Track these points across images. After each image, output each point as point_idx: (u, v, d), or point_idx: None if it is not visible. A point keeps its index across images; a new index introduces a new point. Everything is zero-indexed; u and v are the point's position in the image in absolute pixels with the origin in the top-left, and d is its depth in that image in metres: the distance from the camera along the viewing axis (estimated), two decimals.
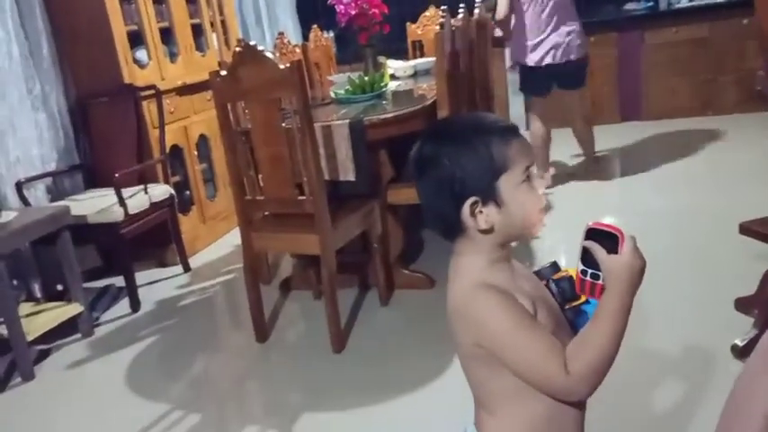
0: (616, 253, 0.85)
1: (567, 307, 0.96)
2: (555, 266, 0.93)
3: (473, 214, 0.88)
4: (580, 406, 0.94)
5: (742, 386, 1.15)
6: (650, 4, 5.26)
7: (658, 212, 3.36)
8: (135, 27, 3.37)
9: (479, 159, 0.87)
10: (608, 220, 0.90)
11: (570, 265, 0.97)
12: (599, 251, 0.85)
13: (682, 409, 1.80)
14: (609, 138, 5.02)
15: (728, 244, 2.51)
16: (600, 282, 0.85)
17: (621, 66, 5.21)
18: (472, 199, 0.87)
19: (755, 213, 2.03)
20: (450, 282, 0.93)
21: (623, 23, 5.18)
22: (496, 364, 0.88)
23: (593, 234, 0.86)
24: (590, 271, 0.86)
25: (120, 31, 3.23)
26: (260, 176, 2.43)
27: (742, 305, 2.19)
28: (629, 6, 5.33)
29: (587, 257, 0.86)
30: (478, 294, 0.87)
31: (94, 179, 3.33)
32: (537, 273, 0.99)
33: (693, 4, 5.11)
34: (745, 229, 1.95)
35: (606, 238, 0.85)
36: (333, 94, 2.99)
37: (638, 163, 4.36)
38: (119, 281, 3.12)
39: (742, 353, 1.93)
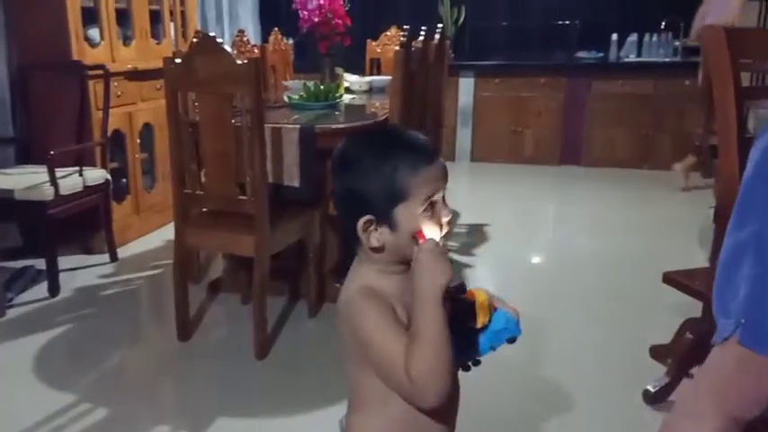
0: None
1: (457, 329, 0.96)
2: (461, 287, 0.94)
3: (366, 231, 0.90)
4: (446, 420, 0.96)
5: (668, 424, 1.17)
6: (600, 54, 5.49)
7: (586, 255, 3.47)
8: (91, 4, 3.27)
9: (383, 183, 0.87)
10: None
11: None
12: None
13: None
14: (548, 178, 5.20)
15: (651, 292, 2.62)
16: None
17: (567, 111, 5.41)
18: (367, 217, 0.89)
19: (679, 265, 2.12)
20: (345, 284, 0.96)
21: (573, 70, 5.38)
22: (369, 367, 0.90)
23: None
24: None
25: (74, 4, 3.12)
26: (202, 171, 2.39)
27: (657, 353, 2.26)
28: (580, 54, 5.55)
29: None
30: (358, 298, 0.89)
31: (27, 154, 3.19)
32: None
33: (641, 59, 5.37)
34: (669, 279, 1.99)
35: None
36: (286, 99, 2.97)
37: (572, 206, 4.52)
38: (39, 263, 2.98)
39: (654, 399, 1.99)
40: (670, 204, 4.41)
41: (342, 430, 1.00)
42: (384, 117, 2.67)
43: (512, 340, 0.95)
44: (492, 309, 0.94)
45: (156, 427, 1.92)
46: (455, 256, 3.42)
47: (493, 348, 0.96)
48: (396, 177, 0.87)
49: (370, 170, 0.88)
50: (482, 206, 4.41)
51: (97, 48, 3.30)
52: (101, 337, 2.50)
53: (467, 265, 3.30)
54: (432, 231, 0.88)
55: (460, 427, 1.95)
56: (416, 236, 0.87)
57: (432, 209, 0.89)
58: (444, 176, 0.91)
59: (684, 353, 2.03)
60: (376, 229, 0.89)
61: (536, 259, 3.52)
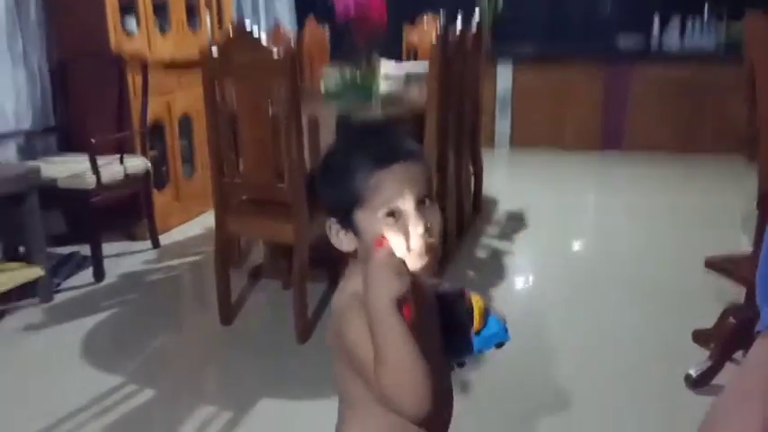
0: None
1: (454, 333, 0.96)
2: (461, 293, 0.93)
3: (335, 234, 0.87)
4: (434, 428, 0.90)
5: (711, 423, 1.16)
6: (641, 38, 5.36)
7: (627, 241, 3.42)
8: None
9: (338, 186, 0.84)
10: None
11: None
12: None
13: None
14: (589, 164, 5.12)
15: (694, 278, 2.58)
16: (406, 305, 0.80)
17: (607, 96, 5.31)
18: (332, 220, 0.87)
19: (722, 251, 2.09)
20: (338, 288, 0.92)
21: (613, 56, 5.27)
22: (355, 372, 0.86)
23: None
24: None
25: None
26: (240, 160, 2.41)
27: (699, 338, 2.25)
28: (621, 38, 5.42)
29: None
30: (346, 306, 0.85)
31: (69, 143, 3.27)
32: (439, 292, 0.97)
33: (683, 45, 5.23)
34: (711, 264, 1.99)
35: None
36: (323, 88, 2.98)
37: (613, 192, 4.45)
38: (84, 249, 3.06)
39: (696, 383, 1.99)
40: (713, 190, 4.31)
41: None
42: (422, 105, 2.66)
43: (500, 345, 0.95)
44: (487, 314, 0.94)
45: (200, 409, 1.97)
46: (494, 243, 3.41)
47: (481, 351, 0.95)
48: (349, 181, 0.82)
49: (329, 172, 0.86)
50: (521, 193, 4.37)
51: (135, 38, 3.35)
52: (145, 322, 2.57)
53: (506, 252, 3.27)
54: (395, 241, 0.81)
55: (500, 404, 1.96)
56: (375, 244, 0.82)
57: (394, 217, 0.82)
58: (415, 182, 0.82)
59: (727, 337, 2.02)
60: (346, 233, 0.86)
61: (577, 245, 3.48)
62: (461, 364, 0.98)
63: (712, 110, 5.06)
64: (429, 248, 0.83)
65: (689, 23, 5.22)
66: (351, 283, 0.87)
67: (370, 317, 0.79)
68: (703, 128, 5.12)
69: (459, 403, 0.96)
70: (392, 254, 0.80)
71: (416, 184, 0.82)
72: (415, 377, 0.78)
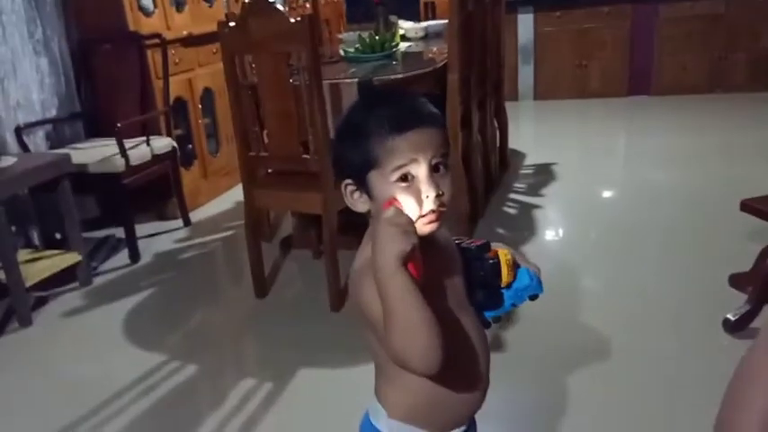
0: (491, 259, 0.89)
1: (482, 288, 0.93)
2: (485, 246, 0.90)
3: (349, 194, 0.88)
4: (469, 387, 0.91)
5: (742, 377, 1.14)
6: None
7: (660, 186, 3.35)
8: None
9: (354, 148, 0.85)
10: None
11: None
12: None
13: (673, 381, 1.81)
14: (617, 110, 4.99)
15: (729, 220, 2.52)
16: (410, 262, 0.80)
17: (634, 39, 5.14)
18: (346, 181, 0.88)
19: (758, 192, 2.02)
20: (358, 251, 0.90)
21: None
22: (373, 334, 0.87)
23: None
24: None
25: None
26: (265, 132, 2.40)
27: (736, 282, 2.21)
28: None
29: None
30: (361, 270, 0.86)
31: (95, 128, 3.29)
32: (463, 248, 0.95)
33: None
34: (746, 206, 1.96)
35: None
36: (342, 52, 2.93)
37: (643, 138, 4.34)
38: (118, 232, 3.11)
39: (734, 327, 1.97)
40: (747, 129, 4.17)
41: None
42: (442, 63, 2.60)
43: (533, 297, 0.92)
44: (516, 266, 0.91)
45: (242, 380, 2.01)
46: (523, 198, 3.37)
47: (515, 305, 0.93)
48: (365, 143, 0.83)
49: (346, 134, 0.87)
50: (549, 145, 4.30)
51: (151, 16, 3.33)
52: (183, 299, 2.61)
53: (536, 206, 3.23)
54: (406, 203, 0.82)
55: (537, 357, 1.96)
56: (384, 205, 0.83)
57: (407, 181, 0.82)
58: (427, 147, 0.82)
59: (765, 280, 1.99)
60: (360, 195, 0.87)
61: (607, 194, 3.41)
62: (497, 320, 0.96)
63: (745, 43, 4.86)
64: (439, 215, 0.84)
65: None
66: (367, 248, 0.87)
67: (376, 275, 0.80)
68: (736, 65, 4.93)
69: (493, 361, 0.94)
70: (399, 213, 0.81)
71: (431, 150, 0.83)
72: (422, 333, 0.78)
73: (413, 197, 0.82)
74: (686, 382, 1.80)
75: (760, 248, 2.13)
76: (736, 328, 1.96)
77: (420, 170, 0.82)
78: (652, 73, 5.17)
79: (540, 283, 0.92)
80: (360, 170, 0.85)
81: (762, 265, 2.06)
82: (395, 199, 0.82)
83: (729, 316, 1.98)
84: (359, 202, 0.88)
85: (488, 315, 0.95)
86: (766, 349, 1.08)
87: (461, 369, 0.89)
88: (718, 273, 2.27)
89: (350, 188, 0.88)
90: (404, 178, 0.82)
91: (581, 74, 5.31)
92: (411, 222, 0.81)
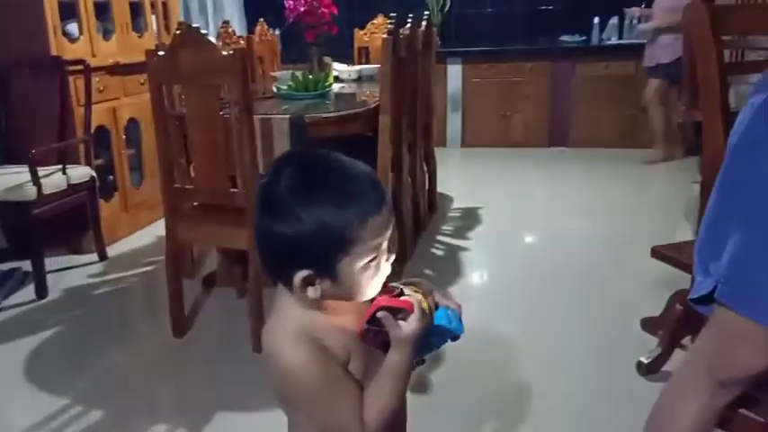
0: (404, 318, 0.83)
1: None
2: (399, 293, 0.88)
3: (304, 284, 0.81)
4: None
5: (660, 409, 1.20)
6: (583, 38, 5.49)
7: (575, 234, 3.48)
8: None
9: (327, 235, 0.77)
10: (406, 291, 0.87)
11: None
12: (389, 321, 0.82)
13: (591, 422, 1.83)
14: (538, 160, 5.20)
15: (639, 267, 2.64)
16: (380, 334, 0.85)
17: (553, 94, 5.40)
18: (306, 272, 0.80)
19: (666, 240, 2.14)
20: (271, 316, 0.88)
21: (557, 54, 5.37)
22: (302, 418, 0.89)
23: (384, 309, 0.84)
24: (374, 328, 0.85)
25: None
26: (191, 165, 2.34)
27: (648, 326, 2.30)
28: (564, 38, 5.54)
29: (373, 320, 0.84)
30: (288, 347, 0.82)
31: (8, 154, 3.11)
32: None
33: (622, 41, 5.36)
34: (657, 253, 2.04)
35: (396, 310, 0.84)
36: (275, 89, 2.92)
37: (561, 187, 4.53)
38: (26, 265, 2.91)
39: (647, 370, 2.03)
40: (654, 182, 4.45)
41: None
42: (375, 105, 2.63)
43: (455, 338, 0.91)
44: (433, 310, 0.89)
45: (153, 427, 1.89)
46: (450, 240, 3.41)
47: (437, 347, 0.92)
48: (342, 229, 0.77)
49: (312, 218, 0.77)
50: (474, 190, 4.40)
51: (76, 42, 3.22)
52: (93, 338, 2.45)
53: (462, 248, 3.28)
54: (377, 281, 0.84)
55: (460, 400, 1.95)
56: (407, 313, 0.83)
57: (376, 259, 0.82)
58: (391, 219, 0.83)
59: (675, 324, 2.07)
60: (321, 282, 0.81)
61: (527, 239, 3.51)
62: (421, 362, 0.94)
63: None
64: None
65: (627, 21, 5.36)
66: (287, 320, 0.85)
67: (400, 368, 0.84)
68: (645, 121, 5.26)
69: (415, 401, 0.94)
70: (421, 321, 0.83)
71: (392, 220, 0.84)
72: (391, 414, 0.86)
73: (379, 275, 0.84)
74: (603, 423, 1.83)
75: (669, 294, 2.22)
76: (650, 370, 2.02)
77: (386, 243, 0.83)
78: (569, 126, 5.42)
79: (460, 321, 0.90)
80: (331, 258, 0.79)
81: (672, 310, 2.14)
82: (409, 302, 0.84)
83: (643, 359, 2.05)
84: (313, 291, 0.81)
85: (415, 359, 0.91)
86: (694, 366, 1.14)
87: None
88: (630, 317, 2.36)
89: (306, 279, 0.80)
90: (376, 257, 0.82)
91: (505, 124, 5.51)
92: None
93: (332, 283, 0.81)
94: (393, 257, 0.85)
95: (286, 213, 0.78)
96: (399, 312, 0.83)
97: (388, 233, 0.83)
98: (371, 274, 0.83)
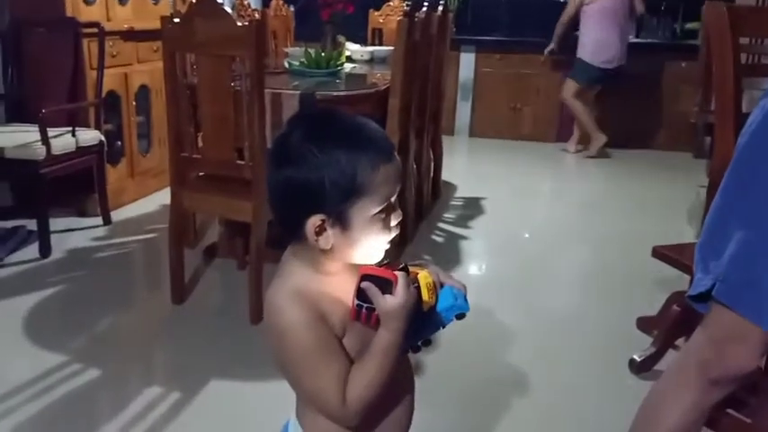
0: (390, 293, 0.83)
1: None
2: (404, 269, 0.88)
3: (317, 232, 0.82)
4: (396, 415, 0.94)
5: (650, 405, 1.21)
6: None
7: (580, 229, 3.50)
8: None
9: (341, 177, 0.79)
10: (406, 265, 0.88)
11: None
12: (373, 293, 0.82)
13: (581, 415, 1.86)
14: (545, 154, 5.19)
15: (639, 267, 2.65)
16: (375, 312, 0.83)
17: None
18: (320, 216, 0.81)
19: (668, 241, 2.14)
20: (275, 278, 0.89)
21: (573, 49, 5.28)
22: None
23: (369, 278, 0.84)
24: (365, 305, 0.84)
25: None
26: (200, 135, 2.35)
27: (643, 325, 2.32)
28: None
29: (362, 294, 0.84)
30: (288, 305, 0.83)
31: (19, 112, 3.13)
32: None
33: (640, 40, 5.33)
34: (658, 253, 2.04)
35: (381, 281, 0.84)
36: (287, 65, 2.92)
37: (567, 183, 4.53)
38: (30, 224, 2.94)
39: (639, 368, 2.04)
40: (661, 182, 4.43)
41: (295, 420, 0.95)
42: (385, 87, 2.64)
43: (460, 316, 0.90)
44: (437, 287, 0.89)
45: (147, 389, 1.91)
46: (451, 228, 3.43)
47: (443, 326, 0.91)
48: (356, 172, 0.79)
49: (327, 163, 0.79)
50: (478, 180, 4.41)
51: (92, 5, 3.21)
52: (93, 299, 2.48)
53: (463, 237, 3.30)
54: (385, 236, 0.85)
55: (451, 388, 1.97)
56: (392, 285, 0.82)
57: (385, 211, 0.83)
58: (400, 177, 0.85)
59: (670, 324, 2.08)
60: (325, 229, 0.81)
61: (530, 232, 3.52)
62: (427, 342, 0.94)
63: (666, 103, 5.20)
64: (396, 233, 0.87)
65: (646, 19, 5.33)
66: (289, 280, 0.86)
67: (386, 342, 0.83)
68: (656, 121, 5.26)
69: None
70: (406, 293, 0.82)
71: (401, 179, 0.85)
72: (376, 393, 0.84)
73: (387, 230, 0.84)
74: (593, 417, 1.86)
75: (668, 294, 2.24)
76: (642, 369, 2.04)
77: (395, 198, 0.84)
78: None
79: (465, 300, 0.90)
80: (345, 201, 0.80)
81: (669, 310, 2.15)
82: (415, 274, 0.85)
83: (635, 357, 2.06)
84: (325, 239, 0.82)
85: (421, 339, 0.93)
86: (687, 362, 1.15)
87: (391, 398, 0.89)
88: (627, 314, 2.37)
89: (319, 224, 0.81)
90: (385, 209, 0.82)
91: (515, 116, 5.50)
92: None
93: (342, 231, 0.82)
94: (400, 218, 0.85)
95: (301, 158, 0.80)
96: (385, 286, 0.83)
97: (397, 188, 0.84)
98: (380, 228, 0.83)
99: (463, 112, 5.60)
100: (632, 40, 5.31)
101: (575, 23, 4.85)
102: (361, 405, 0.83)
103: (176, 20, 2.19)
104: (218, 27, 2.09)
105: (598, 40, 4.67)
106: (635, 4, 4.72)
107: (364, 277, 0.84)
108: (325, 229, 0.81)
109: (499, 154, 5.19)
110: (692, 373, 1.13)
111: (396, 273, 0.84)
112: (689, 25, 5.20)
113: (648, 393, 1.23)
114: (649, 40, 5.29)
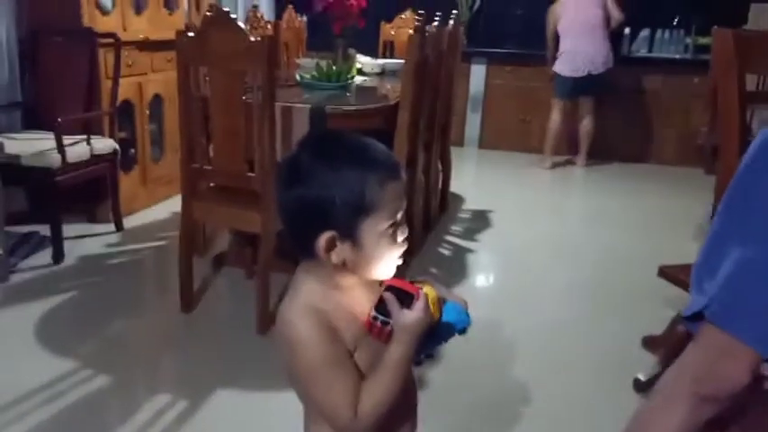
0: (409, 308, 0.86)
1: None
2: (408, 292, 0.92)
3: (327, 249, 0.85)
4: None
5: (639, 420, 1.22)
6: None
7: (587, 245, 3.49)
8: None
9: (350, 195, 0.82)
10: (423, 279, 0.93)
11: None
12: (393, 305, 0.85)
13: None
14: (554, 168, 5.19)
15: (646, 285, 2.65)
16: (388, 327, 0.86)
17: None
18: (330, 233, 0.84)
19: (676, 260, 2.14)
20: (287, 293, 0.91)
21: None
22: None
23: (392, 289, 0.87)
24: (381, 318, 0.87)
25: None
26: (211, 146, 2.39)
27: (649, 344, 2.31)
28: None
29: (382, 306, 0.87)
30: (299, 319, 0.85)
31: (35, 120, 3.18)
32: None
33: (651, 55, 5.33)
34: (664, 272, 2.02)
35: (404, 294, 0.87)
36: (298, 77, 2.96)
37: (575, 198, 4.53)
38: (44, 230, 2.99)
39: (644, 388, 2.03)
40: (671, 199, 4.41)
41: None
42: (396, 101, 2.67)
43: (462, 331, 0.93)
44: (441, 302, 0.92)
45: (155, 397, 1.95)
46: (458, 241, 3.44)
47: (445, 341, 0.94)
48: (365, 190, 0.82)
49: (336, 181, 0.82)
50: (487, 193, 4.42)
51: (109, 15, 3.28)
52: (103, 305, 2.52)
53: (470, 250, 3.31)
54: (395, 251, 0.88)
55: (456, 402, 1.98)
56: (412, 299, 0.86)
57: (393, 227, 0.86)
58: (405, 194, 0.88)
59: (676, 344, 2.05)
60: (336, 245, 0.85)
61: (537, 246, 3.52)
62: (429, 356, 0.97)
63: (675, 119, 5.19)
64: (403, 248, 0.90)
65: (658, 34, 5.33)
66: (302, 296, 0.88)
67: (399, 355, 0.85)
68: (666, 137, 5.25)
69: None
70: (426, 312, 0.86)
71: (406, 196, 0.89)
72: (386, 409, 0.86)
73: (396, 245, 0.88)
74: None
75: (674, 314, 2.23)
76: (647, 388, 2.02)
77: (402, 214, 0.87)
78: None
79: (467, 315, 0.93)
80: (355, 217, 0.83)
81: (674, 330, 2.14)
82: (419, 289, 0.88)
83: (640, 376, 2.05)
84: (336, 254, 0.85)
85: (424, 353, 0.95)
86: (679, 378, 1.16)
87: (396, 411, 0.90)
88: (632, 333, 2.37)
89: (330, 240, 0.84)
90: (393, 224, 0.86)
91: (524, 129, 5.51)
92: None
93: (352, 247, 0.85)
94: (407, 233, 0.89)
95: (312, 177, 0.84)
96: (406, 299, 0.86)
97: (404, 204, 0.87)
98: (388, 243, 0.86)
99: (473, 123, 5.62)
100: (644, 54, 5.33)
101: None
102: (372, 418, 0.85)
103: (191, 33, 2.23)
104: (231, 41, 2.13)
105: (567, 52, 4.75)
106: (611, 12, 4.71)
107: (388, 288, 0.87)
108: (335, 246, 0.85)
109: (508, 166, 5.20)
110: (684, 389, 1.13)
111: (420, 290, 0.87)
112: (702, 40, 5.19)
113: (639, 407, 1.23)
114: (662, 55, 5.29)
